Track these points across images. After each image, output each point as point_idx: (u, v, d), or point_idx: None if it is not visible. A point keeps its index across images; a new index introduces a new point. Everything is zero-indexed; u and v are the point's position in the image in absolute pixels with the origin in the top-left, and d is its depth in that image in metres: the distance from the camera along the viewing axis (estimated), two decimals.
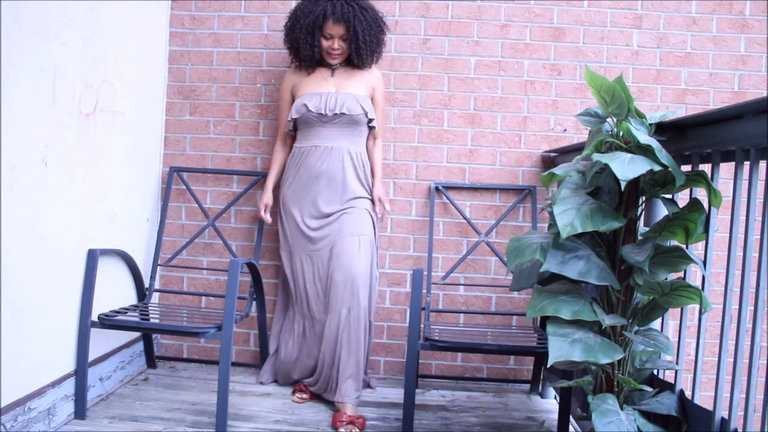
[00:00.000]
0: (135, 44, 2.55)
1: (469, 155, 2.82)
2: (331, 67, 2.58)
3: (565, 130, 2.81)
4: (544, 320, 2.18)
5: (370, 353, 2.56)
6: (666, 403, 1.49)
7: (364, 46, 2.50)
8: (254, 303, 2.66)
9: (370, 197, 2.56)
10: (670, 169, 1.39)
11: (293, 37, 2.53)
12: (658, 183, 1.50)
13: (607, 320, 1.46)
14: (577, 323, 1.46)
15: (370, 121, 2.53)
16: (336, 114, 2.47)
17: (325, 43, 2.50)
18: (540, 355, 2.36)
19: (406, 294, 2.83)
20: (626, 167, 1.35)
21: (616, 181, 1.51)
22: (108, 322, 2.19)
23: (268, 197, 2.63)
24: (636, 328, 1.56)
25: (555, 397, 2.61)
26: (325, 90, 2.52)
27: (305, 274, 2.48)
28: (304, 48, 2.50)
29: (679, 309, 1.54)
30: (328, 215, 2.47)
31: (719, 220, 2.45)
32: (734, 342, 1.36)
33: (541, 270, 1.49)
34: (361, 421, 2.19)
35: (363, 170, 2.55)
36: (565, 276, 1.47)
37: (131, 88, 2.53)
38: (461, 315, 2.83)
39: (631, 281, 1.50)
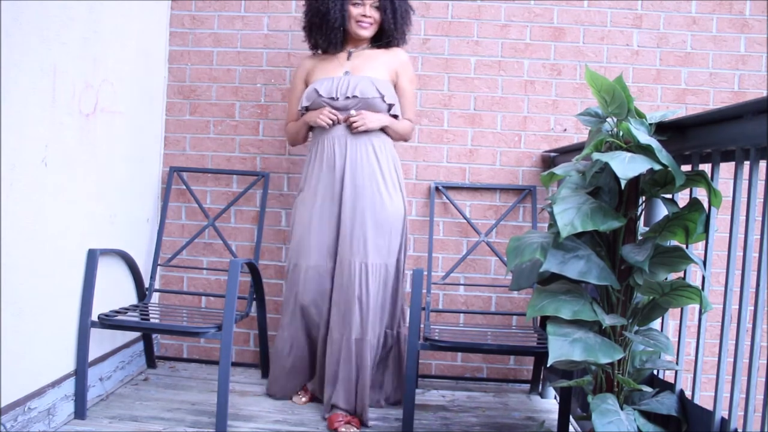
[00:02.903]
0: (135, 44, 2.55)
1: (469, 155, 2.82)
2: (348, 51, 2.34)
3: (565, 130, 2.81)
4: (544, 320, 2.18)
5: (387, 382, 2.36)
6: (666, 403, 1.49)
7: (399, 13, 2.29)
8: (254, 303, 2.66)
9: (402, 201, 2.31)
10: (670, 168, 1.39)
11: (316, 8, 2.28)
12: (658, 183, 1.50)
13: (607, 320, 1.46)
14: (577, 323, 1.46)
15: (390, 107, 2.28)
16: (348, 98, 2.23)
17: (354, 11, 2.26)
18: (540, 355, 2.36)
19: (406, 294, 2.82)
20: (626, 166, 1.35)
21: (617, 180, 1.51)
22: (108, 322, 2.19)
23: (315, 113, 2.28)
24: (636, 328, 1.56)
25: (555, 397, 2.61)
26: (338, 74, 2.30)
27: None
28: (333, 12, 2.23)
29: (679, 309, 1.54)
30: (349, 222, 2.24)
31: (719, 220, 2.44)
32: (734, 342, 1.36)
33: (541, 270, 1.49)
34: (357, 421, 2.19)
35: (389, 164, 2.29)
36: (565, 276, 1.47)
37: (131, 88, 2.53)
38: (461, 315, 2.82)
39: (631, 281, 1.50)
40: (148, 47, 2.69)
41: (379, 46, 2.37)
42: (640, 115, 1.50)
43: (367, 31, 2.30)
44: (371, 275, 2.22)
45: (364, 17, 2.27)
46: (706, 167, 1.48)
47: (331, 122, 2.23)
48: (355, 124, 2.23)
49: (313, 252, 2.29)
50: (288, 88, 2.68)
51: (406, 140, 2.46)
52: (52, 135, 1.97)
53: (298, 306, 2.34)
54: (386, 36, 2.34)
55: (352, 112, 2.24)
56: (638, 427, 1.42)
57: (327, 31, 2.29)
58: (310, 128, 2.37)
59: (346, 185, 2.25)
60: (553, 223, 1.58)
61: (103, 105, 2.29)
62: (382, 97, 2.25)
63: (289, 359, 2.39)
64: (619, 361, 1.53)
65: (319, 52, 2.41)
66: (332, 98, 2.25)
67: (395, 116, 2.31)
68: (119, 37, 2.40)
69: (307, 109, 2.32)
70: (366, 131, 2.25)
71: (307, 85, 2.38)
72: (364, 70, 2.29)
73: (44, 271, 1.98)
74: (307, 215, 2.31)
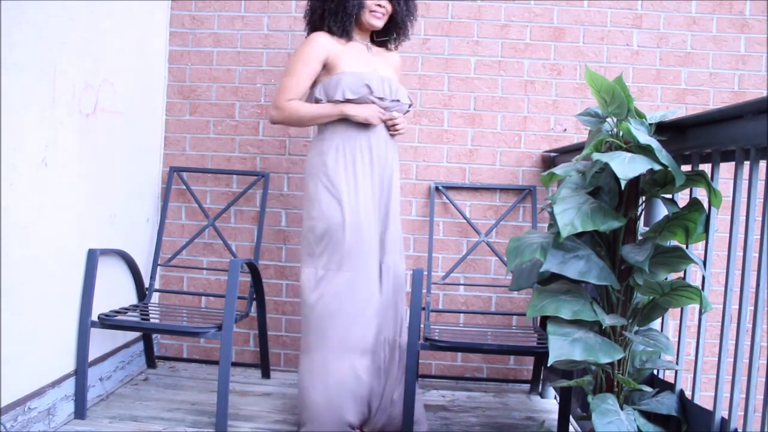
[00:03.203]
0: (135, 44, 2.55)
1: (469, 155, 2.82)
2: (365, 45, 2.26)
3: (565, 130, 2.81)
4: (544, 320, 2.18)
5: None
6: (666, 403, 1.49)
7: (410, 6, 2.24)
8: (254, 303, 2.66)
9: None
10: (670, 168, 1.39)
11: None
12: (658, 183, 1.50)
13: (607, 320, 1.46)
14: (577, 323, 1.46)
15: (406, 113, 2.29)
16: (393, 100, 2.18)
17: (369, 0, 2.17)
18: (540, 355, 2.36)
19: (406, 294, 2.82)
20: (626, 166, 1.35)
21: (617, 180, 1.51)
22: (108, 322, 2.19)
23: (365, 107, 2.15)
24: (636, 328, 1.56)
25: (555, 397, 2.61)
26: (372, 70, 2.18)
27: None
28: None
29: (679, 309, 1.54)
30: (383, 224, 2.19)
31: (719, 220, 2.44)
32: (734, 342, 1.36)
33: (541, 270, 1.49)
34: None
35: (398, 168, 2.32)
36: (565, 276, 1.47)
37: (131, 88, 2.53)
38: (461, 315, 2.83)
39: (631, 281, 1.50)
40: (148, 47, 2.69)
41: (379, 43, 2.32)
42: (640, 115, 1.50)
43: (380, 21, 2.21)
44: (391, 277, 2.17)
45: (379, 7, 2.19)
46: (706, 167, 1.48)
47: (381, 122, 2.18)
48: (397, 127, 2.20)
49: (364, 256, 2.11)
50: (292, 61, 2.21)
51: None
52: (52, 135, 1.97)
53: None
54: (395, 29, 2.28)
55: (396, 114, 2.19)
56: (638, 427, 1.42)
57: (343, 18, 2.17)
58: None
59: (384, 187, 2.19)
60: (553, 223, 1.58)
61: (103, 105, 2.29)
62: (410, 105, 2.28)
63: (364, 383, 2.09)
64: (619, 361, 1.53)
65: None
66: (381, 98, 2.15)
67: None
68: (119, 37, 2.40)
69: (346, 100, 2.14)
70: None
71: (325, 67, 2.18)
72: (385, 70, 2.23)
73: (44, 271, 1.98)
74: (356, 217, 2.11)
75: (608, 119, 1.57)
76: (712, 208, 1.43)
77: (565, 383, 1.65)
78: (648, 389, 1.51)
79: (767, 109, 1.20)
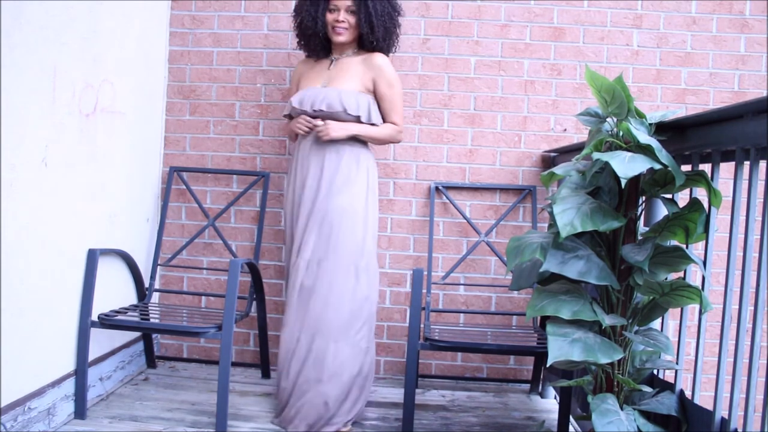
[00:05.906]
0: (135, 44, 2.55)
1: (469, 155, 2.82)
2: (332, 59, 2.38)
3: (565, 129, 2.81)
4: (544, 320, 2.18)
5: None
6: (666, 403, 1.49)
7: (376, 19, 2.27)
8: (254, 303, 2.66)
9: (350, 197, 2.27)
10: (670, 168, 1.39)
11: (298, 13, 2.39)
12: (658, 183, 1.50)
13: (607, 320, 1.46)
14: (577, 323, 1.46)
15: (357, 118, 2.27)
16: (315, 110, 2.27)
17: (330, 17, 2.30)
18: (540, 355, 2.36)
19: (406, 294, 2.83)
20: (626, 165, 1.35)
21: (617, 180, 1.51)
22: (108, 322, 2.19)
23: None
24: (636, 328, 1.56)
25: (555, 397, 2.61)
26: (317, 85, 2.34)
27: None
28: (307, 19, 2.32)
29: (679, 309, 1.54)
30: (303, 222, 2.33)
31: (719, 220, 2.45)
32: (734, 342, 1.36)
33: (541, 270, 1.49)
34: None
35: (350, 167, 2.29)
36: (565, 276, 1.47)
37: (131, 88, 2.53)
38: (461, 315, 2.83)
39: (631, 281, 1.50)
40: (148, 47, 2.69)
41: (362, 52, 2.38)
42: (640, 115, 1.50)
43: (342, 37, 2.31)
44: (308, 270, 2.22)
45: (338, 23, 2.30)
46: (706, 167, 1.49)
47: (308, 129, 2.29)
48: (319, 134, 2.26)
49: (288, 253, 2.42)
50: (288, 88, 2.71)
51: (393, 142, 2.44)
52: (52, 135, 1.97)
53: None
54: (367, 40, 2.33)
55: (318, 122, 2.27)
56: (638, 427, 1.42)
57: (306, 40, 2.40)
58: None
59: (306, 187, 2.30)
60: (553, 223, 1.58)
61: (103, 105, 2.29)
62: (345, 110, 2.25)
63: None
64: (619, 361, 1.53)
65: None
66: (304, 110, 2.30)
67: (372, 124, 2.30)
68: (119, 37, 2.40)
69: (290, 116, 2.41)
70: (334, 140, 2.26)
71: (298, 89, 2.44)
72: (339, 81, 2.31)
73: (44, 271, 1.98)
74: (288, 211, 2.40)
75: (608, 119, 1.57)
76: (712, 208, 1.43)
77: (565, 383, 1.65)
78: (648, 389, 1.51)
79: (767, 109, 1.20)
